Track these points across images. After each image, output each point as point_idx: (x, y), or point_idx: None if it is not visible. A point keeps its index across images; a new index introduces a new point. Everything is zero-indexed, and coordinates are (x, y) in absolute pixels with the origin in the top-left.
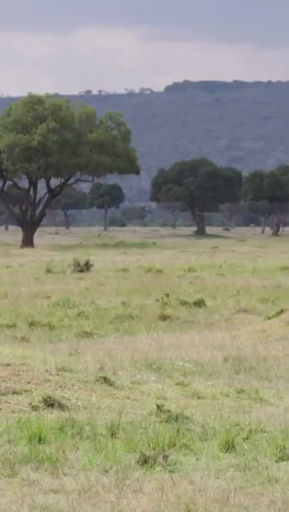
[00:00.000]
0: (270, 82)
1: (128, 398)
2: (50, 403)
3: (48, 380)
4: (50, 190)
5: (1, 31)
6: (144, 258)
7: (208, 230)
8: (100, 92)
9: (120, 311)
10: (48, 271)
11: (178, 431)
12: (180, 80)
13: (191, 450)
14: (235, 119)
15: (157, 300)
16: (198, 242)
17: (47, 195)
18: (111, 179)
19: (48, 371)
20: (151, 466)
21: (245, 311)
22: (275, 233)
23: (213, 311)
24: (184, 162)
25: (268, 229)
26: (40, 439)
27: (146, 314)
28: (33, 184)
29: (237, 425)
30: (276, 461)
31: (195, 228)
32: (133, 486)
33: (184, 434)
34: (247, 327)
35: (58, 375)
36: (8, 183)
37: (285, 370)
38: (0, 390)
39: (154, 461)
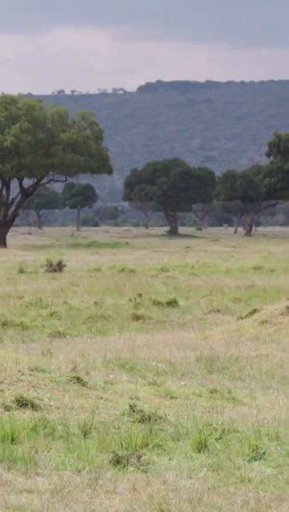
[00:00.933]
0: (242, 82)
1: (101, 398)
2: (22, 403)
3: (21, 380)
4: (22, 190)
5: None
6: (117, 258)
7: (181, 229)
8: (72, 92)
9: (93, 311)
10: (21, 271)
11: (151, 431)
12: (153, 79)
13: (164, 450)
14: (208, 119)
15: (130, 300)
16: (171, 242)
17: (20, 195)
18: (84, 179)
19: (20, 371)
20: (124, 466)
21: (218, 311)
22: (248, 233)
23: (185, 311)
24: (157, 162)
25: (240, 229)
26: (12, 439)
27: (119, 314)
28: (6, 184)
29: (210, 425)
30: (249, 461)
31: (168, 228)
32: (106, 486)
33: (156, 434)
34: (220, 327)
35: (30, 375)
36: None
37: (257, 370)
38: None
39: (127, 461)
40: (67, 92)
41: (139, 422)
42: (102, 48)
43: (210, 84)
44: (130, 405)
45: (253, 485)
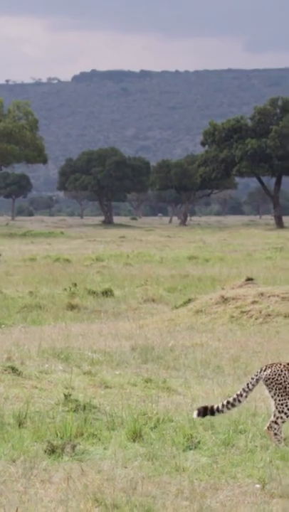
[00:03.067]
0: (177, 72)
1: (36, 388)
2: None
3: None
4: None
5: None
6: (52, 248)
7: (116, 219)
8: (7, 81)
9: (28, 300)
10: None
11: (85, 420)
12: (87, 69)
13: (99, 439)
14: (143, 108)
15: (65, 289)
16: (106, 232)
17: None
18: (18, 168)
19: None
20: (58, 456)
21: (153, 301)
22: (183, 223)
23: (120, 300)
24: (92, 151)
25: (175, 218)
26: None
27: (54, 304)
28: None
29: (144, 414)
30: (183, 451)
31: (102, 218)
32: (41, 475)
33: (91, 423)
34: (155, 316)
35: None
36: None
37: (192, 360)
38: None
39: (62, 450)
40: (2, 81)
41: (74, 411)
42: (36, 37)
43: (144, 74)
44: (65, 395)
45: (188, 474)
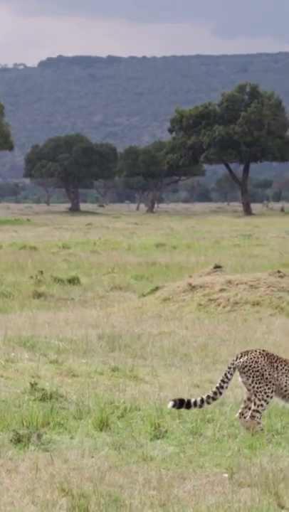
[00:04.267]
0: (144, 58)
1: (1, 376)
2: None
3: None
4: None
5: None
6: (18, 235)
7: (83, 206)
8: None
9: None
10: None
11: (52, 409)
12: (54, 55)
13: (66, 429)
14: (110, 94)
15: (31, 277)
16: (73, 219)
17: None
18: None
19: None
20: (25, 445)
21: (120, 288)
22: (150, 210)
23: (87, 288)
24: (58, 138)
25: (142, 206)
26: None
27: (20, 292)
28: None
29: (112, 403)
30: (151, 440)
31: (69, 205)
32: (6, 465)
33: (58, 412)
34: (122, 304)
35: None
36: None
37: (160, 348)
38: None
39: (28, 440)
40: None
41: (40, 400)
42: (2, 22)
43: (112, 60)
44: (31, 384)
45: (155, 463)
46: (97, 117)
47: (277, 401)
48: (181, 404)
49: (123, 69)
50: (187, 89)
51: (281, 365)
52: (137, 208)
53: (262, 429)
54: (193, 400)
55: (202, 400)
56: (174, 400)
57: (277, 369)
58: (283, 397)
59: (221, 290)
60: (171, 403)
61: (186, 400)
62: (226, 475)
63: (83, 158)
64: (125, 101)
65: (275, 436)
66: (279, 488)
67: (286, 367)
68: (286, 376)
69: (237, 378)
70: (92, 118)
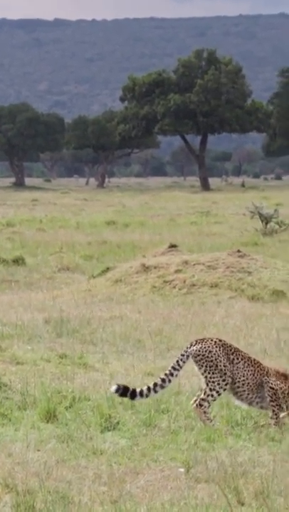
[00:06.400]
0: (94, 21)
1: None
2: None
3: None
4: None
5: None
6: None
7: (28, 181)
8: None
9: None
10: None
11: None
12: None
13: (9, 420)
14: (57, 60)
15: None
16: (17, 195)
17: None
18: None
19: None
20: None
21: (68, 269)
22: (101, 185)
23: (33, 269)
24: (2, 107)
25: (92, 180)
26: None
27: None
28: None
29: (59, 393)
30: (101, 432)
31: (13, 179)
32: None
33: (1, 402)
34: (70, 286)
35: None
36: None
37: (111, 333)
38: None
39: None
40: None
41: None
42: None
43: (59, 23)
44: None
45: (106, 457)
46: (43, 85)
47: (228, 396)
48: (124, 391)
49: (71, 33)
50: (140, 55)
51: (237, 359)
52: (87, 183)
53: (208, 419)
54: (138, 390)
55: (148, 389)
56: (118, 385)
57: (232, 362)
58: (235, 393)
59: (177, 271)
60: (114, 387)
61: (130, 389)
62: (182, 469)
63: (28, 129)
64: (73, 67)
65: (235, 428)
66: (238, 483)
67: (242, 361)
68: (241, 371)
69: (194, 366)
70: (38, 86)
